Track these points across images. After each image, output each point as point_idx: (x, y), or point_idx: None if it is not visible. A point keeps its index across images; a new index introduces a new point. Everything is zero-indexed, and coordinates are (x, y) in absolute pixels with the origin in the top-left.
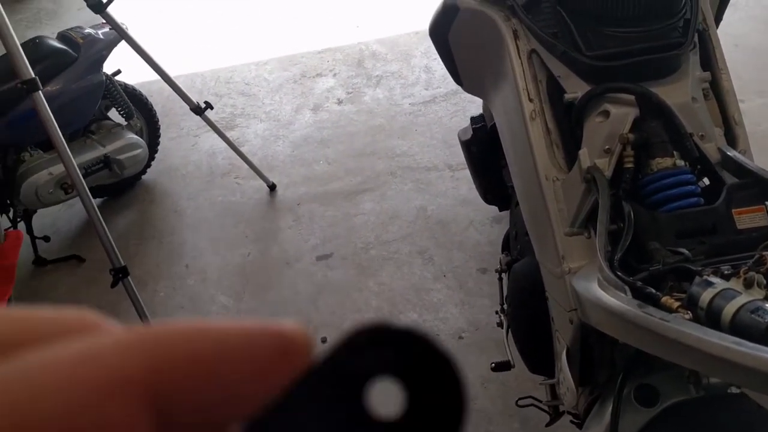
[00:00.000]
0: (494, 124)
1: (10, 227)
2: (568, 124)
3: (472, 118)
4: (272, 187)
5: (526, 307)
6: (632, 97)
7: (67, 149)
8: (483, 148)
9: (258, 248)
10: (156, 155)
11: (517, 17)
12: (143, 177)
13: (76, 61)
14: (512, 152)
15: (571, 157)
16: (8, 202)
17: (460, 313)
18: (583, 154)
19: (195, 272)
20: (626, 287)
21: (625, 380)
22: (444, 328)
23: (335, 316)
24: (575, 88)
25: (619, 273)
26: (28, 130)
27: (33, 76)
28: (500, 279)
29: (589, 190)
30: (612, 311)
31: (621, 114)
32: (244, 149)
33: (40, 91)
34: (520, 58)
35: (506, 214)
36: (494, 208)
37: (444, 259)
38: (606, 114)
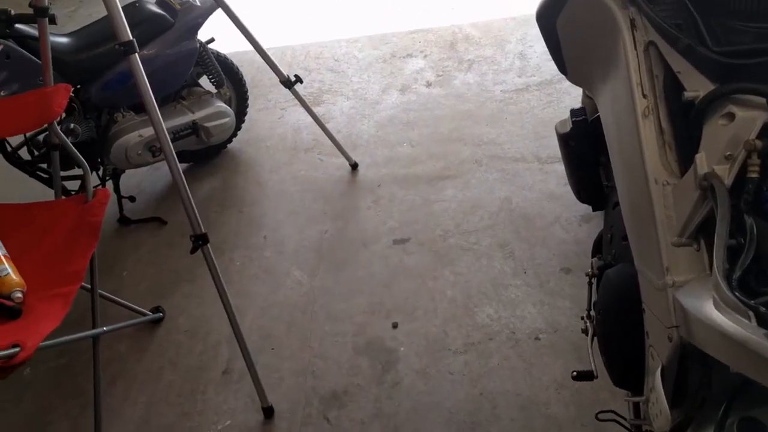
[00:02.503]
0: (595, 118)
1: (98, 185)
2: (685, 124)
3: (572, 111)
4: (354, 166)
5: (619, 317)
6: (763, 100)
7: (158, 112)
8: (582, 143)
9: (336, 226)
10: (242, 125)
11: (636, 5)
12: (228, 146)
13: (172, 26)
14: (618, 150)
15: (685, 160)
16: (99, 161)
17: (538, 313)
18: (700, 158)
19: (272, 244)
20: (750, 312)
21: (729, 410)
22: (520, 327)
23: (408, 302)
24: (696, 86)
25: (739, 295)
26: (122, 92)
27: (131, 38)
28: (590, 283)
29: (703, 199)
30: (730, 337)
31: (748, 118)
32: (329, 126)
33: (136, 54)
34: (636, 50)
35: (597, 214)
36: (583, 207)
37: (525, 255)
38: (731, 116)
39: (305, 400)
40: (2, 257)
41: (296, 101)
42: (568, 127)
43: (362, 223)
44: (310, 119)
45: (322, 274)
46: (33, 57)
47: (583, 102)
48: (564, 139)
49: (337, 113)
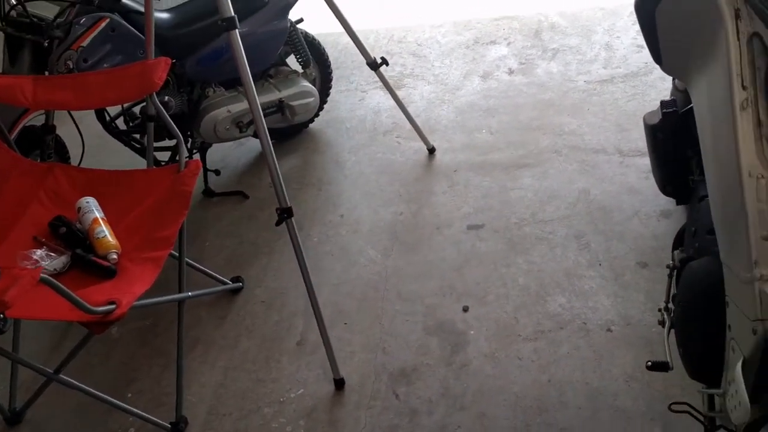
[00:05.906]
0: (686, 111)
1: (187, 157)
2: None
3: (663, 102)
4: (431, 151)
5: (700, 309)
6: None
7: (254, 88)
8: (670, 136)
9: (410, 209)
10: (325, 106)
11: None
12: (310, 125)
13: (265, 6)
14: (710, 142)
15: None
16: (188, 134)
17: (611, 305)
18: None
19: (348, 223)
20: None
21: None
22: (592, 318)
23: (479, 287)
24: None
25: None
26: (215, 68)
27: (232, 14)
28: (670, 276)
29: None
30: None
31: None
32: (408, 110)
33: (236, 30)
34: (738, 40)
35: (677, 210)
36: (663, 202)
37: (601, 247)
38: None
39: (375, 375)
40: (100, 220)
41: (377, 84)
42: (657, 119)
43: (437, 207)
44: (390, 102)
45: (395, 254)
46: (136, 31)
47: (672, 94)
48: (652, 131)
49: (417, 98)
